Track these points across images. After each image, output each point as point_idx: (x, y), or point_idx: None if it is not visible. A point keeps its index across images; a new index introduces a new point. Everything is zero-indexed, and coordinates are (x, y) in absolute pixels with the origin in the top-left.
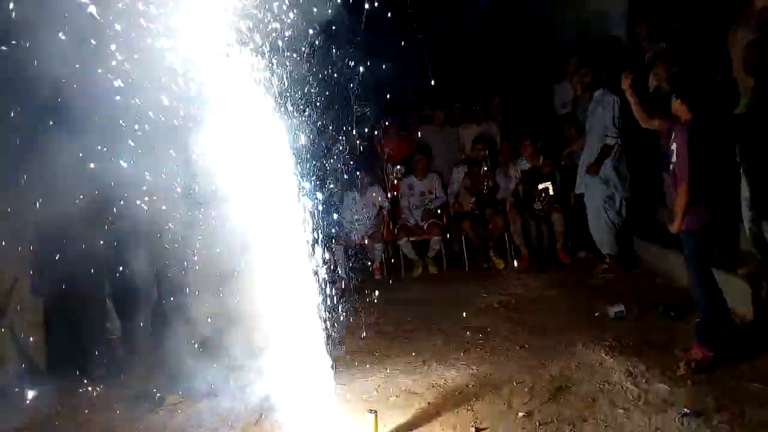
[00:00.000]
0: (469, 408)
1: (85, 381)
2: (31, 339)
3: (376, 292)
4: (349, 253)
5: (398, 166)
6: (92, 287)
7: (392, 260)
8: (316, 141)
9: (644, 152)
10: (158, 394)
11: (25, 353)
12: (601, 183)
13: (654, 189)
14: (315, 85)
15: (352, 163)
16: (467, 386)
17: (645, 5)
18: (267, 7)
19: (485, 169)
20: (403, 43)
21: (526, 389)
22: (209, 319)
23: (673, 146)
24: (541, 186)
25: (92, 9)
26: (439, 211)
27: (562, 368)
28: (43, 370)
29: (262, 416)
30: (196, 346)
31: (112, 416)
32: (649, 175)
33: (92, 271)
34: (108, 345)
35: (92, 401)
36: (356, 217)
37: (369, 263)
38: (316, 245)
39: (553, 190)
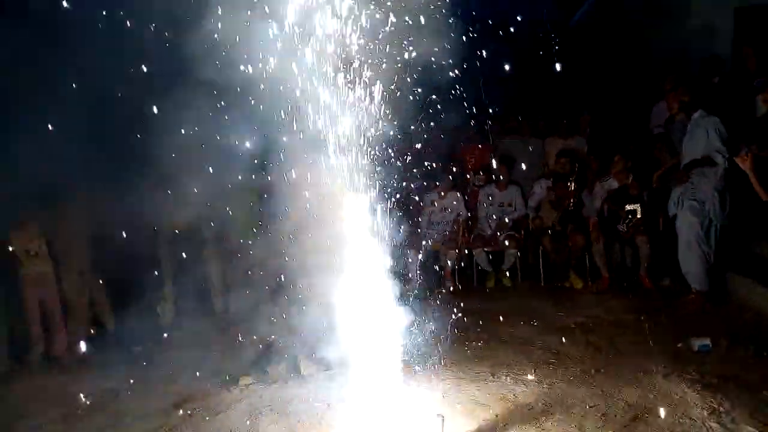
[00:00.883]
0: (538, 426)
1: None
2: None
3: (447, 300)
4: (423, 258)
5: (479, 174)
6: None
7: (465, 269)
8: (402, 143)
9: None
10: (231, 375)
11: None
12: (696, 208)
13: (751, 221)
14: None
15: (435, 167)
16: (537, 403)
17: (753, 23)
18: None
19: (571, 184)
20: (491, 53)
21: (599, 414)
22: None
23: None
24: (628, 207)
25: None
26: (522, 220)
27: (639, 397)
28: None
29: (329, 406)
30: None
31: (187, 387)
32: (747, 206)
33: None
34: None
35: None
36: (434, 221)
37: (441, 270)
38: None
39: (641, 212)
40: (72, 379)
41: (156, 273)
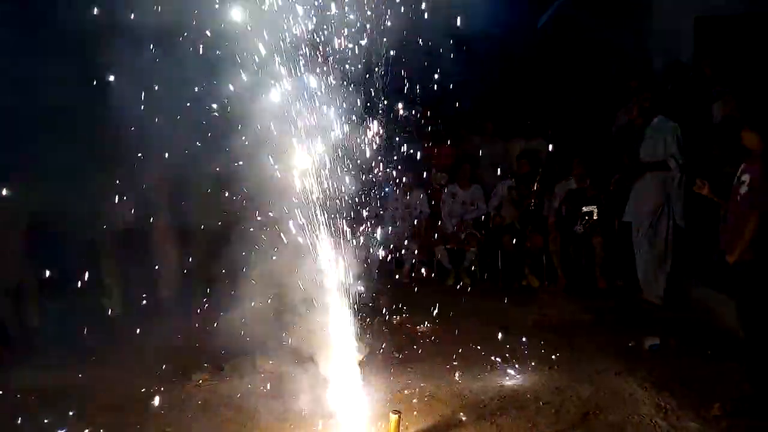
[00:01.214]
0: (493, 422)
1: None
2: None
3: (406, 297)
4: (384, 255)
5: (442, 173)
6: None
7: (422, 268)
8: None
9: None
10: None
11: None
12: (651, 214)
13: (706, 229)
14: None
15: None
16: (492, 400)
17: (712, 32)
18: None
19: (533, 185)
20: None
21: (553, 410)
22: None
23: (745, 176)
24: (585, 209)
25: None
26: (483, 219)
27: (592, 394)
28: None
29: (286, 402)
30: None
31: (139, 384)
32: (702, 215)
33: None
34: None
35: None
36: (397, 218)
37: (400, 267)
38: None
39: (597, 214)
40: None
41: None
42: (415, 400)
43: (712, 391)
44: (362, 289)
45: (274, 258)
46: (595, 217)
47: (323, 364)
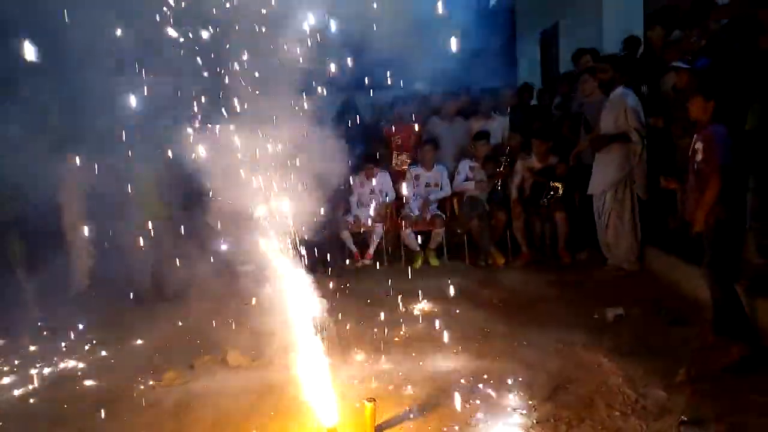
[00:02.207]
0: (466, 402)
1: None
2: None
3: (375, 281)
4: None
5: (404, 155)
6: None
7: (393, 249)
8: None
9: (656, 160)
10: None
11: None
12: (615, 185)
13: (664, 196)
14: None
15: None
16: (464, 380)
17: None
18: None
19: (500, 165)
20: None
21: (523, 386)
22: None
23: (698, 145)
24: (552, 184)
25: None
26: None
27: (561, 368)
28: None
29: (259, 396)
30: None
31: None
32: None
33: None
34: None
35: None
36: (363, 202)
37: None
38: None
39: (561, 190)
40: None
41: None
42: (389, 386)
43: (676, 357)
44: (329, 275)
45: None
46: (559, 193)
47: (293, 355)
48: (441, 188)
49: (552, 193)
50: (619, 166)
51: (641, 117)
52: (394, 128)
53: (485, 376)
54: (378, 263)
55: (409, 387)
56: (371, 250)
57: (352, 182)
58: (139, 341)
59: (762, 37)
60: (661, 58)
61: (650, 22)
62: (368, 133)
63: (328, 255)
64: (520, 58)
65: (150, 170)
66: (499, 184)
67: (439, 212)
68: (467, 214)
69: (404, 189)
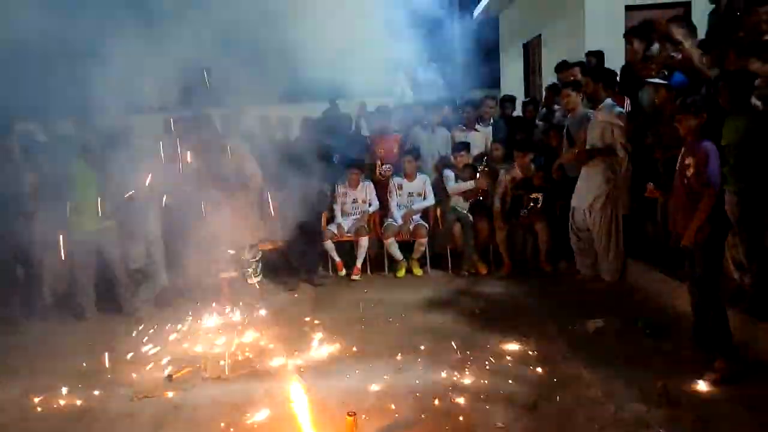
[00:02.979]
0: (448, 417)
1: None
2: None
3: (356, 290)
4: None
5: (386, 165)
6: None
7: (376, 259)
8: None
9: (638, 173)
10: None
11: None
12: (599, 198)
13: (644, 208)
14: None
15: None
16: (447, 392)
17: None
18: None
19: (480, 175)
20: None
21: (504, 399)
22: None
23: (689, 161)
24: (533, 195)
25: None
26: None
27: (541, 379)
28: None
29: (238, 409)
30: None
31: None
32: (639, 192)
33: None
34: None
35: None
36: (346, 211)
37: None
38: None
39: (542, 201)
40: None
41: None
42: (369, 399)
43: (655, 370)
44: (316, 285)
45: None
46: (539, 204)
47: (272, 366)
48: (424, 198)
49: (532, 204)
50: (605, 179)
51: (627, 132)
52: (376, 138)
53: (467, 388)
54: (361, 273)
55: (390, 400)
56: (359, 264)
57: (336, 191)
58: (112, 352)
59: (727, 61)
60: (639, 73)
61: (630, 36)
62: (352, 142)
63: (311, 265)
64: (503, 69)
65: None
66: (480, 194)
67: (422, 222)
68: (450, 225)
69: (388, 199)
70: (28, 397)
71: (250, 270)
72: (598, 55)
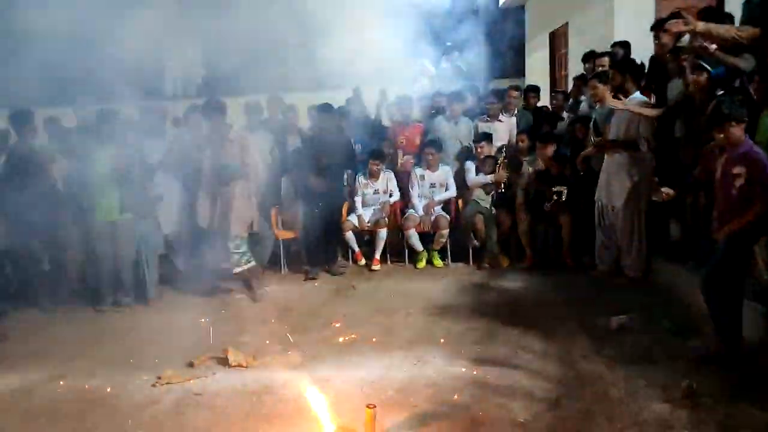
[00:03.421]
0: (467, 411)
1: None
2: None
3: (375, 280)
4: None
5: (407, 155)
6: None
7: (397, 249)
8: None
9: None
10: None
11: None
12: (622, 194)
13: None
14: None
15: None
16: (465, 387)
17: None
18: None
19: (498, 167)
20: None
21: (524, 395)
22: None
23: (738, 169)
24: (556, 188)
25: None
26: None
27: (562, 377)
28: None
29: (258, 398)
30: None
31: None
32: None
33: None
34: None
35: None
36: (367, 202)
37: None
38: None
39: (566, 194)
40: None
41: None
42: (388, 392)
43: (679, 369)
44: (335, 275)
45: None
46: (563, 198)
47: (293, 356)
48: (447, 189)
49: (555, 197)
50: (628, 174)
51: (653, 127)
52: (397, 128)
53: (486, 383)
54: (381, 263)
55: (409, 392)
56: (377, 255)
57: (357, 181)
58: (136, 338)
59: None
60: (667, 66)
61: (659, 27)
62: (375, 131)
63: (331, 254)
64: (528, 58)
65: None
66: (503, 186)
67: (443, 213)
68: (471, 216)
69: (409, 189)
70: (55, 381)
71: (236, 259)
72: (625, 46)
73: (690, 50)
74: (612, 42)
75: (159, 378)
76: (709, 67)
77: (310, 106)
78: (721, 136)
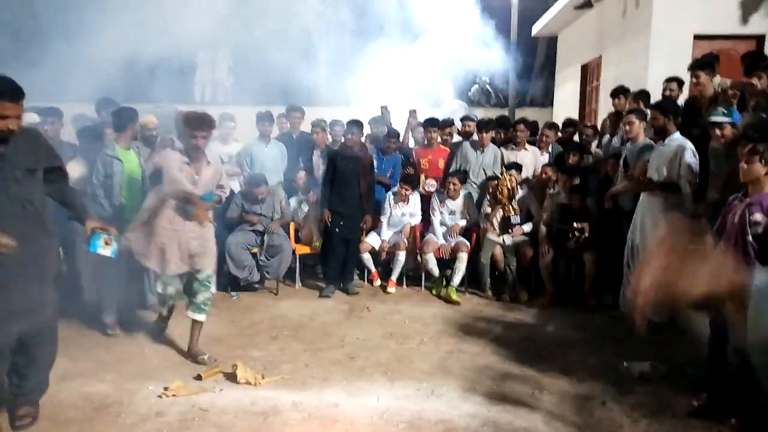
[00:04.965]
0: None
1: None
2: None
3: (389, 307)
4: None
5: (430, 181)
6: None
7: (414, 274)
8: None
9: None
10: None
11: None
12: (656, 235)
13: None
14: None
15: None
16: (479, 426)
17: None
18: None
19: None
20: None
21: None
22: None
23: (757, 216)
24: (577, 225)
25: None
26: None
27: (581, 424)
28: None
29: (265, 418)
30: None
31: (108, 389)
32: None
33: None
34: None
35: None
36: (392, 223)
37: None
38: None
39: (589, 230)
40: None
41: None
42: (400, 425)
43: (703, 425)
44: (350, 294)
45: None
46: (586, 234)
47: (301, 376)
48: (467, 216)
49: (577, 234)
50: (662, 216)
51: (694, 169)
52: (421, 150)
53: (501, 424)
54: (396, 286)
55: (421, 427)
56: (394, 277)
57: (385, 203)
58: (146, 347)
59: None
60: (702, 111)
61: (695, 69)
62: (402, 152)
63: (347, 273)
64: (557, 89)
65: None
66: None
67: (463, 239)
68: (491, 246)
69: (430, 214)
70: (62, 384)
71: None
72: (679, 82)
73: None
74: (646, 79)
75: (166, 389)
76: (727, 119)
77: (333, 120)
78: (746, 167)
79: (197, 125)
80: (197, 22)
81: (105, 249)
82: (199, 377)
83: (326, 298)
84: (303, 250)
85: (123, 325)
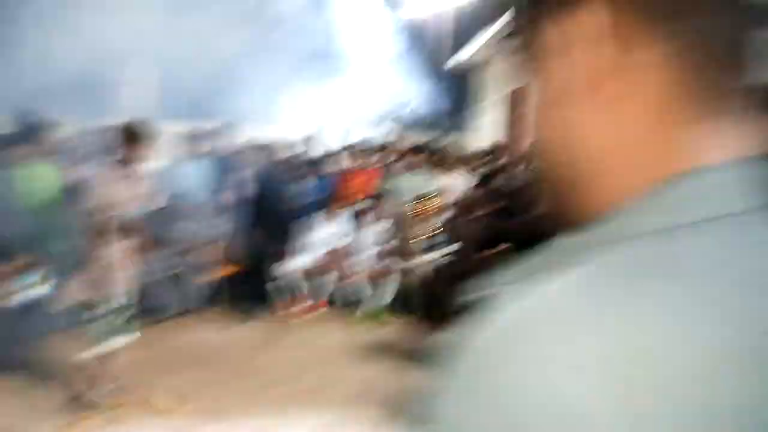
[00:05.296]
0: None
1: None
2: None
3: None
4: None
5: (361, 200)
6: None
7: (341, 295)
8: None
9: None
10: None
11: None
12: None
13: None
14: None
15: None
16: None
17: None
18: None
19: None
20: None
21: None
22: None
23: None
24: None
25: None
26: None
27: None
28: None
29: None
30: None
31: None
32: None
33: None
34: None
35: None
36: (317, 243)
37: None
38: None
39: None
40: None
41: None
42: None
43: None
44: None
45: None
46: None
47: (221, 405)
48: (396, 238)
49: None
50: None
51: None
52: (354, 172)
53: None
54: (324, 308)
55: None
56: (324, 298)
57: (312, 222)
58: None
59: None
60: None
61: None
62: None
63: (269, 296)
64: (486, 114)
65: None
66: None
67: (391, 261)
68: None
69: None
70: None
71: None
72: None
73: None
74: None
75: (73, 421)
76: None
77: (260, 142)
78: None
79: (134, 138)
80: (125, 35)
81: None
82: (112, 408)
83: (248, 322)
84: (226, 272)
85: None
